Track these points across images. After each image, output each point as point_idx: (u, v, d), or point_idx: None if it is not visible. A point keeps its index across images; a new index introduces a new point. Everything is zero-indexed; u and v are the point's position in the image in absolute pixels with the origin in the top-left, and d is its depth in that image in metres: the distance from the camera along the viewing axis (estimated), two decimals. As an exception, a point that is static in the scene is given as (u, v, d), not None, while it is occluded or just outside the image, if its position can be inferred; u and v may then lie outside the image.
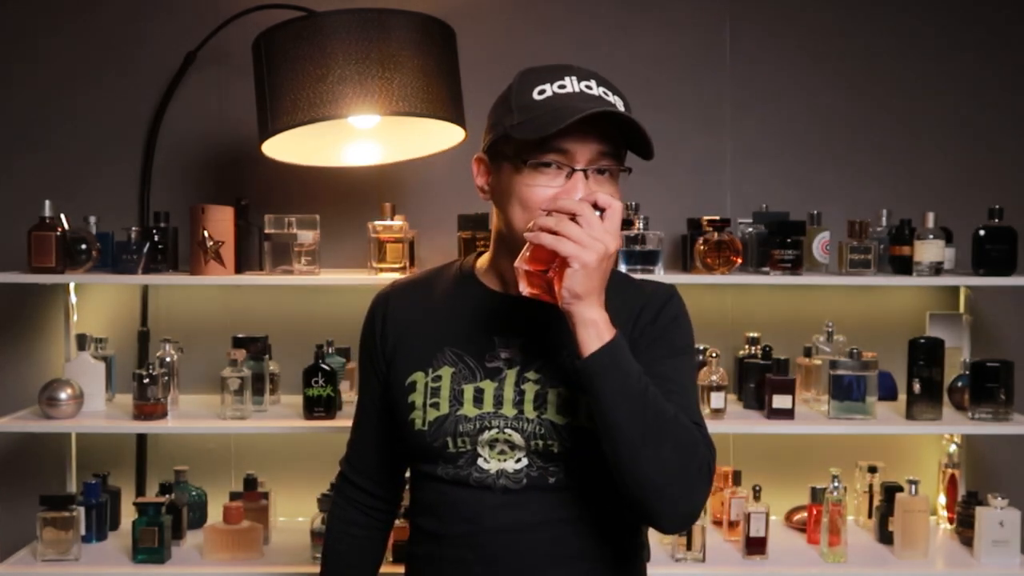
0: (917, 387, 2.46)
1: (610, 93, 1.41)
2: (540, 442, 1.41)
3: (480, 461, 1.43)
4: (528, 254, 1.32)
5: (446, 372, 1.46)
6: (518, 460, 1.42)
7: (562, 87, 1.39)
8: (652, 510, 1.35)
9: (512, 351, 1.45)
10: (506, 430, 1.42)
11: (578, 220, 1.29)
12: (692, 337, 1.50)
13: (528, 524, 1.41)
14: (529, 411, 1.41)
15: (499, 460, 1.43)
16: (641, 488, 1.33)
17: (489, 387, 1.44)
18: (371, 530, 1.65)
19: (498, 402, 1.43)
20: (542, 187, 1.39)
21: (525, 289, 1.32)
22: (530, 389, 1.42)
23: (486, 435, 1.42)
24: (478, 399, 1.43)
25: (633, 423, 1.30)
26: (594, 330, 1.30)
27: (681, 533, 2.39)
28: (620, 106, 1.41)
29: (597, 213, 1.33)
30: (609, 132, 1.39)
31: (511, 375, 1.44)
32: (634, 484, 1.33)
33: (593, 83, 1.41)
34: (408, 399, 1.47)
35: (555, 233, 1.28)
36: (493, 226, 1.51)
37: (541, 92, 1.39)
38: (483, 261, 1.55)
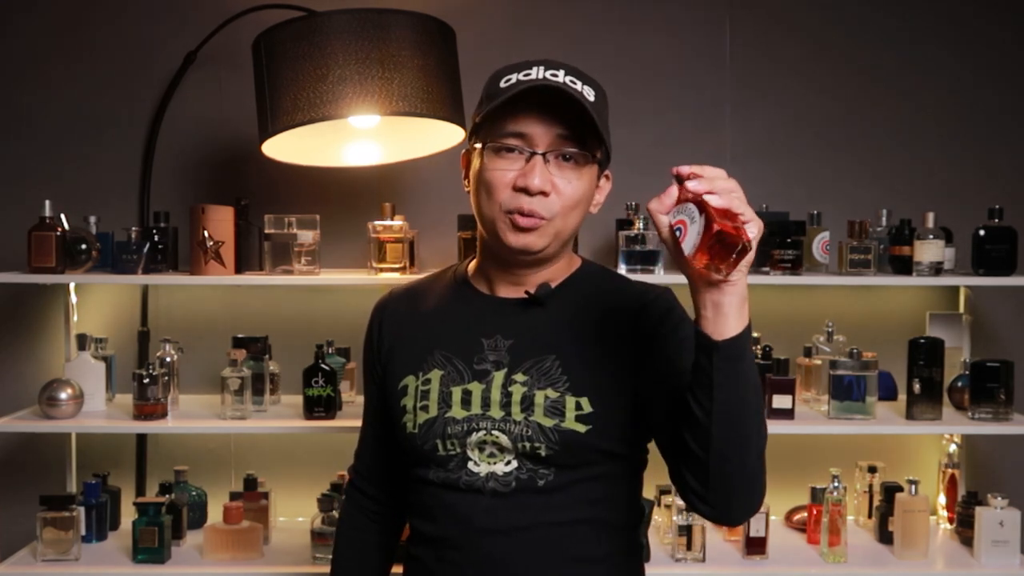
0: (917, 387, 2.46)
1: (579, 82, 1.40)
2: (527, 444, 1.40)
3: (470, 464, 1.42)
4: (701, 240, 1.19)
5: (435, 375, 1.46)
6: (508, 463, 1.42)
7: (527, 75, 1.40)
8: (738, 501, 1.32)
9: (500, 353, 1.45)
10: (493, 432, 1.41)
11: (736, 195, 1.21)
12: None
13: (519, 527, 1.41)
14: (516, 413, 1.41)
15: (489, 463, 1.42)
16: (742, 473, 1.29)
17: (477, 389, 1.43)
18: (380, 536, 1.65)
19: (485, 404, 1.42)
20: (502, 170, 1.41)
21: (694, 256, 1.20)
22: (517, 391, 1.42)
23: (474, 437, 1.42)
24: (466, 401, 1.43)
25: (757, 405, 1.28)
26: (745, 307, 1.23)
27: (680, 532, 2.39)
28: (588, 95, 1.40)
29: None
30: (574, 120, 1.39)
31: (499, 377, 1.43)
32: (737, 471, 1.29)
33: (561, 72, 1.40)
34: (400, 403, 1.48)
35: (730, 213, 1.19)
36: (477, 229, 1.51)
37: (507, 81, 1.41)
38: (474, 265, 1.56)
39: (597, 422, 1.40)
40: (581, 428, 1.40)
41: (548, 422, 1.40)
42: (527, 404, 1.41)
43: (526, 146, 1.40)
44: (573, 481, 1.41)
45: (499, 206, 1.41)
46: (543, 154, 1.39)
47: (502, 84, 1.41)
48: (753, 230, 1.20)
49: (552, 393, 1.41)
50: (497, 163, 1.41)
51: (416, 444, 1.45)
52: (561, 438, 1.39)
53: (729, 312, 1.22)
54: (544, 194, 1.39)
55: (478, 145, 1.45)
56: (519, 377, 1.43)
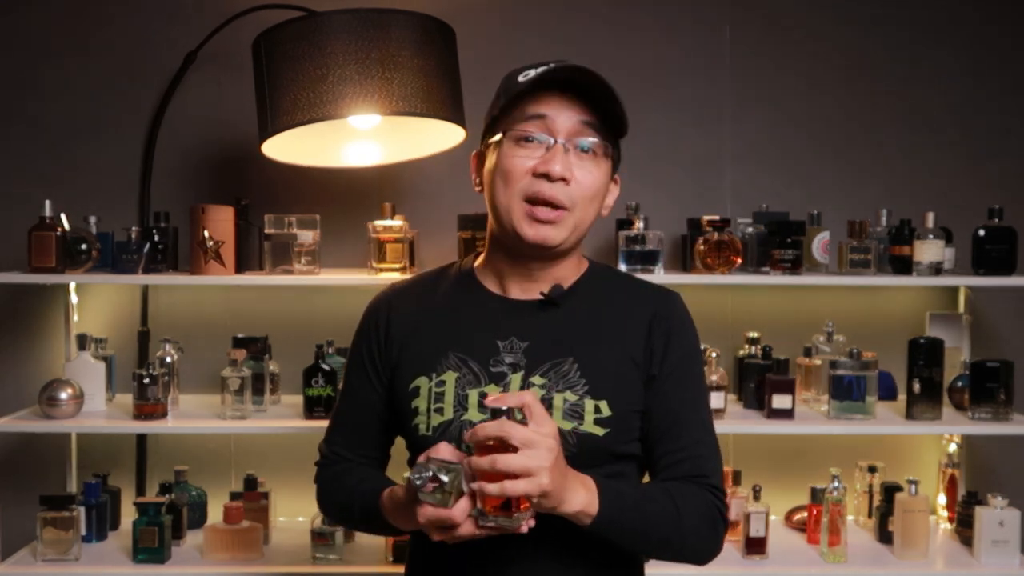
0: (917, 387, 2.46)
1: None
2: None
3: None
4: (483, 500, 1.25)
5: (450, 377, 1.45)
6: None
7: (546, 67, 1.42)
8: (686, 563, 1.46)
9: (517, 355, 1.45)
10: None
11: (509, 443, 1.23)
12: (701, 358, 1.54)
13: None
14: None
15: None
16: (675, 561, 1.44)
17: (494, 392, 1.43)
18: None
19: None
20: (522, 159, 1.42)
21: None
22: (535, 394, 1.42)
23: None
24: (483, 404, 1.43)
25: (651, 544, 1.40)
26: (582, 514, 1.31)
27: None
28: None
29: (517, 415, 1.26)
30: (595, 107, 1.41)
31: (516, 380, 1.43)
32: (671, 557, 1.44)
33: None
34: (411, 404, 1.46)
35: (497, 471, 1.22)
36: (488, 226, 1.51)
37: (525, 75, 1.43)
38: (481, 261, 1.55)
39: (615, 425, 1.41)
40: (599, 431, 1.40)
41: (567, 425, 1.40)
42: (545, 407, 1.40)
43: (547, 133, 1.40)
44: None
45: (517, 193, 1.41)
46: (563, 143, 1.40)
47: (520, 79, 1.42)
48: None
49: (571, 396, 1.41)
50: (517, 151, 1.42)
51: (429, 446, 1.44)
52: (579, 441, 1.40)
53: (570, 518, 1.31)
54: (564, 181, 1.40)
55: (496, 137, 1.44)
56: (537, 380, 1.42)
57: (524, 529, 1.27)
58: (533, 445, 1.23)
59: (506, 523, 1.26)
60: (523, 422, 1.26)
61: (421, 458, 1.30)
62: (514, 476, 1.23)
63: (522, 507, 1.25)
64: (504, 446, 1.23)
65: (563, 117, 1.40)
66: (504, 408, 1.25)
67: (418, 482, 1.26)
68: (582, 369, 1.42)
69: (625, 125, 1.44)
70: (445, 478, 1.25)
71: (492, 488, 1.22)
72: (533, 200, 1.41)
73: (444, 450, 1.30)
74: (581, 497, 1.30)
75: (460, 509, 1.26)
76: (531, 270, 1.48)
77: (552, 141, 1.40)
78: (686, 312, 1.51)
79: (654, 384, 1.45)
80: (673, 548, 1.41)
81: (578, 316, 1.47)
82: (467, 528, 1.27)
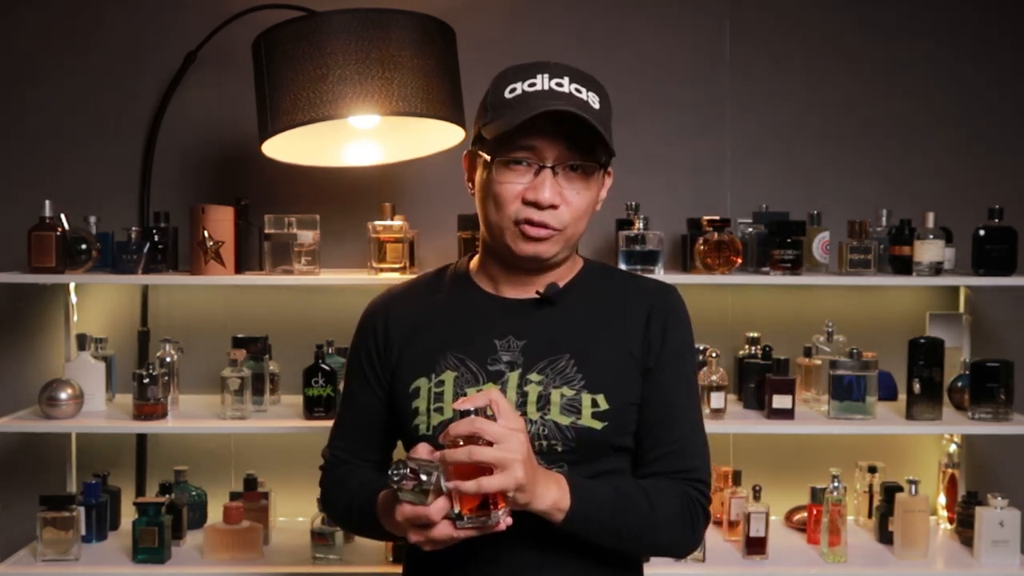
0: (917, 387, 2.46)
1: (583, 90, 1.42)
2: (544, 442, 1.41)
3: None
4: (461, 501, 1.27)
5: (448, 377, 1.46)
6: None
7: (532, 85, 1.41)
8: (663, 556, 1.51)
9: (513, 354, 1.46)
10: None
11: (482, 437, 1.25)
12: (695, 352, 1.54)
13: (528, 522, 1.41)
14: (532, 412, 1.42)
15: None
16: (652, 555, 1.50)
17: (492, 389, 1.43)
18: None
19: None
20: (511, 184, 1.42)
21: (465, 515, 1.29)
22: (533, 391, 1.42)
23: None
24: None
25: (624, 540, 1.41)
26: (554, 509, 1.33)
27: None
28: (594, 102, 1.42)
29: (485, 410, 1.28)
30: (580, 130, 1.40)
31: (513, 378, 1.44)
32: (644, 552, 1.50)
33: (565, 80, 1.41)
34: (412, 405, 1.47)
35: (473, 460, 1.24)
36: (481, 232, 1.52)
37: (512, 91, 1.42)
38: (475, 263, 1.56)
39: (612, 419, 1.42)
40: (597, 425, 1.41)
41: (564, 420, 1.41)
42: (543, 403, 1.42)
43: (535, 159, 1.40)
44: (584, 475, 1.42)
45: (509, 216, 1.42)
46: (552, 167, 1.40)
47: (507, 95, 1.42)
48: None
49: (568, 391, 1.42)
50: (506, 176, 1.42)
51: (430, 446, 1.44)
52: (577, 435, 1.41)
53: (541, 514, 1.33)
54: (554, 207, 1.41)
55: (485, 155, 1.44)
56: (534, 377, 1.43)
57: (502, 527, 1.28)
58: (505, 439, 1.25)
59: (484, 522, 1.27)
60: (492, 418, 1.28)
61: (402, 458, 1.31)
62: (488, 472, 1.24)
63: (499, 505, 1.27)
64: (476, 443, 1.26)
65: (550, 144, 1.40)
66: (472, 409, 1.27)
67: (396, 478, 1.27)
68: (579, 364, 1.43)
69: (608, 149, 1.44)
70: (424, 476, 1.27)
71: (469, 486, 1.24)
72: (523, 223, 1.42)
73: (423, 451, 1.32)
74: (553, 493, 1.32)
75: (437, 507, 1.27)
76: (525, 273, 1.49)
77: (540, 167, 1.41)
78: (683, 306, 1.52)
79: (650, 376, 1.46)
80: (646, 543, 1.44)
81: (574, 313, 1.48)
82: (444, 529, 1.28)
